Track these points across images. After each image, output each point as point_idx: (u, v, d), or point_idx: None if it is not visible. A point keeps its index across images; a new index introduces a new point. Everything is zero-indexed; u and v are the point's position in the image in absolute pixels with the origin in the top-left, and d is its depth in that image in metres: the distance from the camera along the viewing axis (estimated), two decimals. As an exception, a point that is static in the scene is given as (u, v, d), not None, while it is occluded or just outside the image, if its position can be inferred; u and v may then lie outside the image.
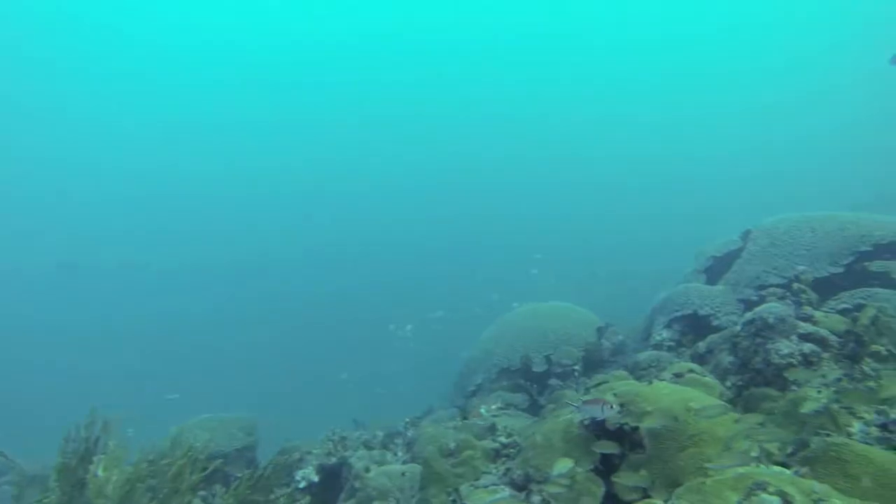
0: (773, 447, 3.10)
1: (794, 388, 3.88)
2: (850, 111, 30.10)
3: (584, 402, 3.44)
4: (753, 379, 4.19)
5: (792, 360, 3.94)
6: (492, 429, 6.67)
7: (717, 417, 2.95)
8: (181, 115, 42.33)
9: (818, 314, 4.28)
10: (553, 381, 7.49)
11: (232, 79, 42.92)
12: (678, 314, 6.93)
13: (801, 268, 5.09)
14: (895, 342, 4.60)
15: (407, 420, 8.86)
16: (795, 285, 4.86)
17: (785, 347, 4.00)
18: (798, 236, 6.71)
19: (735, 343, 4.50)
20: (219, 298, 30.98)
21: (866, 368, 3.81)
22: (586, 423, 3.60)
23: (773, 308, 4.31)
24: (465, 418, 5.70)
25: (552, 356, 8.39)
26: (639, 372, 6.12)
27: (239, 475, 6.33)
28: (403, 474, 5.55)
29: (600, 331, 9.09)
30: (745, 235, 7.54)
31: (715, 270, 7.77)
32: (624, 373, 5.04)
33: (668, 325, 7.05)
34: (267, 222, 37.99)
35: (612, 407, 3.26)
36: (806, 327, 4.07)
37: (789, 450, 3.19)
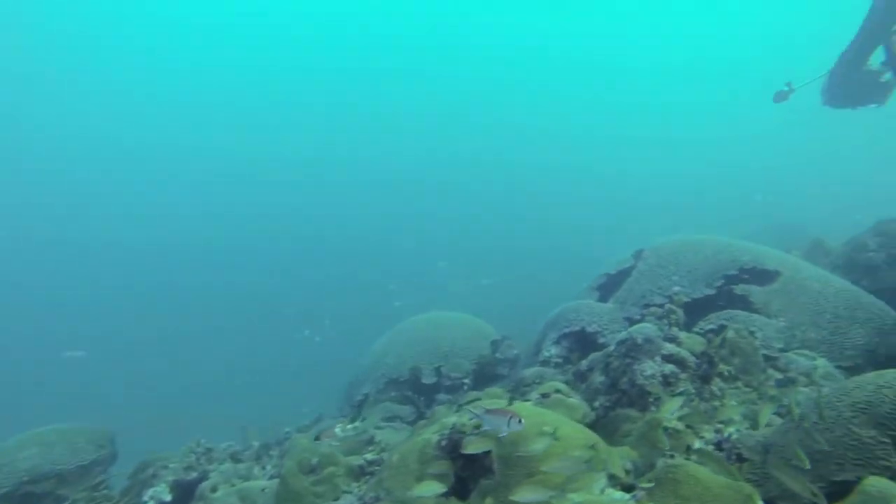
0: (619, 470, 3.16)
1: (652, 409, 4.03)
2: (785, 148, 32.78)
3: (488, 412, 3.17)
4: (620, 400, 4.31)
5: (654, 380, 4.09)
6: (369, 442, 6.49)
7: (545, 448, 2.91)
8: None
9: (683, 335, 4.49)
10: (440, 396, 7.43)
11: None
12: (567, 330, 7.10)
13: (676, 289, 5.38)
14: (746, 362, 4.95)
15: (287, 430, 8.49)
16: (667, 305, 5.11)
17: (649, 368, 4.14)
18: (682, 257, 7.12)
19: (608, 363, 4.62)
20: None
21: (714, 388, 4.03)
22: (443, 443, 3.51)
23: (643, 328, 4.46)
24: (316, 438, 5.46)
25: (442, 368, 8.36)
26: (522, 388, 6.17)
27: (77, 497, 5.70)
28: (263, 490, 5.22)
29: (495, 344, 9.17)
30: (638, 254, 7.90)
31: (608, 287, 8.07)
32: (499, 390, 5.03)
33: (557, 342, 7.19)
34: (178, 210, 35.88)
35: (519, 421, 2.97)
36: (670, 348, 4.24)
37: (650, 477, 3.28)
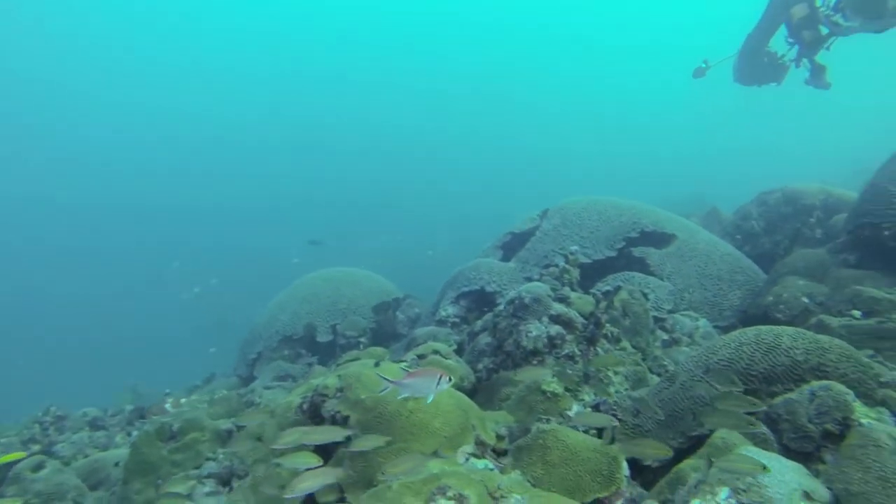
0: (489, 437, 3.06)
1: (536, 370, 3.98)
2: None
3: (409, 375, 2.64)
4: (504, 362, 4.23)
5: (539, 342, 4.02)
6: (250, 404, 6.14)
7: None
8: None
9: (573, 295, 4.45)
10: (308, 359, 7.24)
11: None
12: (465, 289, 7.00)
13: (573, 248, 5.37)
14: (636, 323, 5.06)
15: (167, 391, 7.96)
16: (562, 265, 5.07)
17: (535, 329, 4.06)
18: (586, 218, 7.17)
19: (496, 323, 4.52)
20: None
21: (600, 350, 4.04)
22: (305, 406, 3.25)
23: (532, 288, 4.37)
24: (142, 417, 5.05)
25: (338, 326, 8.10)
26: (414, 348, 6.06)
27: None
28: (117, 465, 4.76)
29: (397, 302, 8.98)
30: (544, 214, 7.89)
31: (512, 247, 8.04)
32: (380, 350, 4.81)
33: (455, 301, 7.09)
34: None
35: (449, 379, 2.51)
36: (558, 308, 4.18)
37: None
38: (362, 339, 7.79)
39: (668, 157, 31.51)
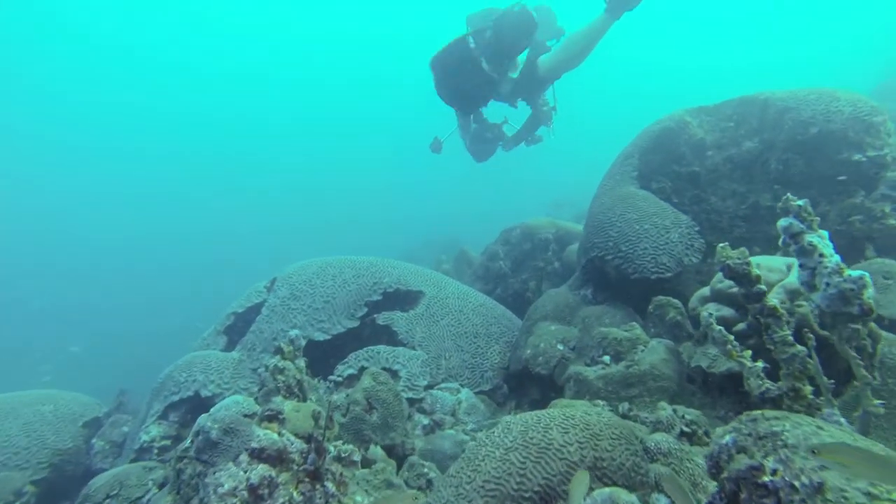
0: None
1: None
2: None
3: None
4: (191, 536, 2.80)
5: (236, 499, 2.70)
6: None
7: None
8: None
9: (288, 407, 3.25)
10: None
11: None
12: (175, 398, 5.31)
13: (293, 333, 4.18)
14: (387, 414, 4.10)
15: None
16: (272, 363, 3.83)
17: (227, 479, 2.73)
18: (318, 285, 6.09)
19: (178, 472, 3.05)
20: None
21: (330, 487, 2.89)
22: None
23: (221, 413, 3.02)
24: None
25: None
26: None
27: None
28: None
29: (94, 424, 6.66)
30: (271, 285, 6.60)
31: (238, 330, 6.53)
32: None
33: (163, 416, 5.35)
34: None
35: None
36: (263, 438, 2.93)
37: None
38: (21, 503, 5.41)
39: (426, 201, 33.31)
